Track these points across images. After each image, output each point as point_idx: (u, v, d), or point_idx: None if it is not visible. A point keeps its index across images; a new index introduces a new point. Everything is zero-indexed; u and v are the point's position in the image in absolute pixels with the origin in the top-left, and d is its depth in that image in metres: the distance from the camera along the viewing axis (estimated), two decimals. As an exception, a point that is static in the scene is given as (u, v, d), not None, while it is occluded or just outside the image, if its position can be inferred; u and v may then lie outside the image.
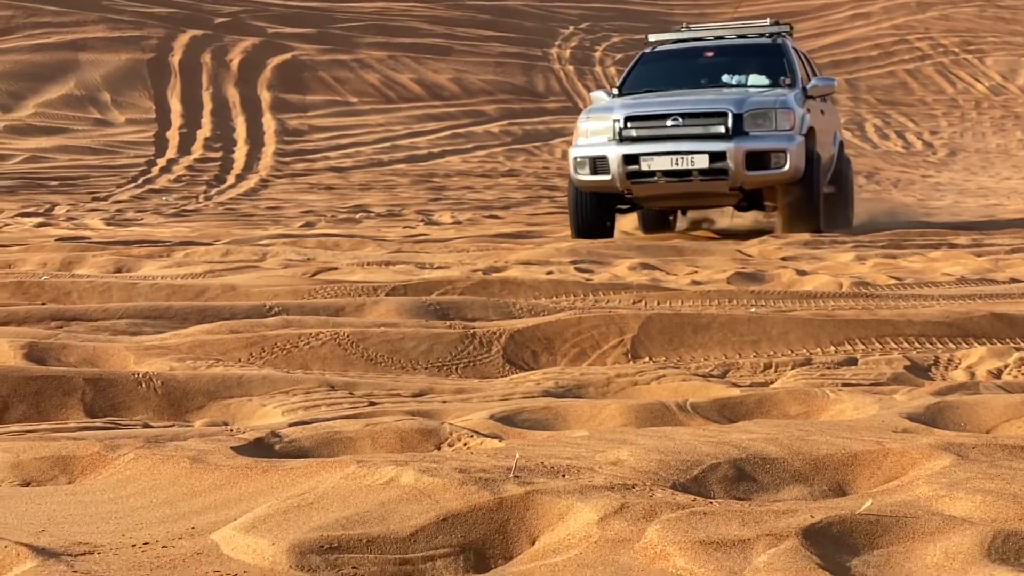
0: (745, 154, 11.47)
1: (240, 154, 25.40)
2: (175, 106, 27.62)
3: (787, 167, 11.53)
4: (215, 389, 3.66)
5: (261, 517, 2.21)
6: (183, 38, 30.82)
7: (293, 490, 2.42)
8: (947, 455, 2.60)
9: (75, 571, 1.97)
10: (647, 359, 4.44)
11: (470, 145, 28.61)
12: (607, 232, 12.43)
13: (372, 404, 3.58)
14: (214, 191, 21.10)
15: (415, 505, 2.23)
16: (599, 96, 12.94)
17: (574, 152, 12.10)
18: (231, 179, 23.01)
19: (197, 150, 25.31)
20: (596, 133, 11.92)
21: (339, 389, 3.74)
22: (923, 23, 45.44)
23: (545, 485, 2.31)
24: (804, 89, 12.61)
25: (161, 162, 24.15)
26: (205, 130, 26.66)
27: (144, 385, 3.62)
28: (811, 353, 4.56)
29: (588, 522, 2.15)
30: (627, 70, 13.60)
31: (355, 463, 2.47)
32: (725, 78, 13.11)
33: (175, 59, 29.67)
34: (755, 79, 12.98)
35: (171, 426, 3.36)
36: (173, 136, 26.10)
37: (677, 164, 11.49)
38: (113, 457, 2.75)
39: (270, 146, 26.28)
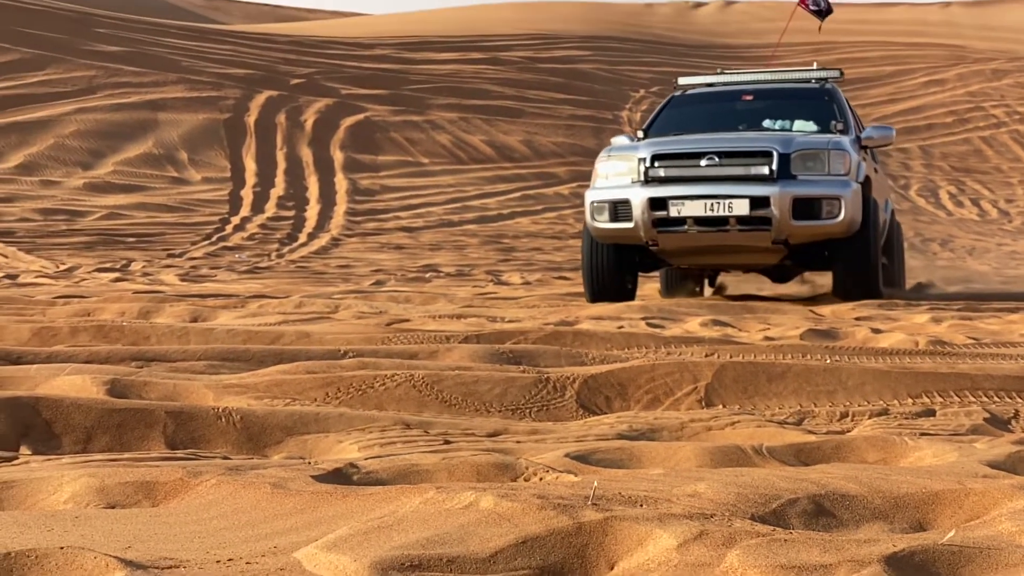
0: (792, 200, 9.80)
1: (312, 213, 25.69)
2: (250, 165, 28.03)
3: (841, 217, 9.85)
4: (292, 425, 3.70)
5: (343, 537, 2.23)
6: (259, 99, 31.32)
7: (373, 514, 2.44)
8: (1030, 495, 2.57)
9: (162, 581, 2.00)
10: (721, 406, 4.43)
11: (540, 207, 28.74)
12: (627, 294, 10.73)
13: (447, 442, 3.60)
14: (286, 249, 21.33)
15: (494, 528, 2.25)
16: (621, 141, 11.14)
17: (591, 195, 10.32)
18: (303, 237, 23.25)
19: (270, 208, 25.64)
20: (618, 175, 10.25)
21: (414, 428, 3.77)
22: (998, 90, 45.17)
23: (623, 512, 2.32)
24: (858, 138, 10.98)
25: (235, 220, 24.47)
26: (279, 189, 27.01)
27: (224, 419, 3.67)
28: (888, 404, 4.52)
29: (667, 547, 2.15)
30: (654, 114, 11.81)
31: (434, 489, 2.49)
32: (766, 123, 11.32)
33: (251, 119, 30.14)
34: (801, 125, 11.24)
35: (250, 459, 3.40)
36: (247, 194, 26.46)
37: (712, 210, 9.81)
38: (196, 483, 2.78)
39: (342, 205, 26.55)
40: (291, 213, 25.50)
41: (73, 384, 4.07)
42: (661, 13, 56.20)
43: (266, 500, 2.62)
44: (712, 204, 9.79)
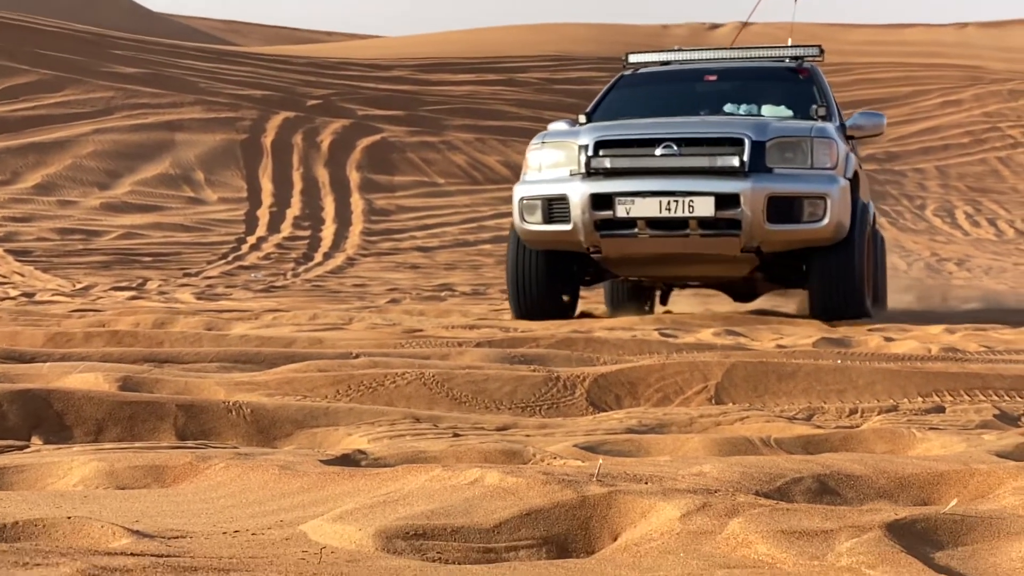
0: (767, 199, 8.01)
1: (328, 233, 25.75)
2: (266, 185, 28.13)
3: (826, 220, 8.11)
4: (302, 418, 3.72)
5: (349, 510, 2.25)
6: (276, 119, 31.45)
7: (379, 491, 2.46)
8: (1035, 474, 2.58)
9: (169, 547, 2.02)
10: (731, 404, 4.43)
11: (556, 227, 28.69)
12: (563, 310, 8.98)
13: (456, 435, 3.61)
14: (302, 268, 21.39)
15: (499, 501, 2.26)
16: (559, 126, 9.19)
17: (520, 191, 8.53)
18: (319, 257, 23.31)
19: (286, 228, 25.71)
20: (554, 165, 8.42)
21: (424, 422, 3.78)
22: (1015, 111, 45.10)
23: (628, 487, 2.33)
24: (843, 126, 9.15)
25: (251, 240, 24.54)
26: (295, 209, 27.09)
27: (234, 413, 3.69)
28: (898, 402, 4.52)
29: (670, 518, 2.16)
30: (599, 96, 9.85)
31: (440, 467, 2.51)
32: (728, 108, 9.40)
33: (267, 140, 30.27)
34: (771, 111, 9.31)
35: (259, 449, 3.41)
36: (263, 214, 26.55)
37: (668, 210, 7.99)
38: (205, 467, 2.80)
39: (358, 225, 26.62)
40: (307, 233, 25.56)
41: (85, 381, 4.10)
42: (677, 34, 56.29)
43: (274, 480, 2.64)
44: (669, 203, 8.02)
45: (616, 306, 10.70)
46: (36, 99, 29.60)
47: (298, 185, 28.50)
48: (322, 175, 29.27)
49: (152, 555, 1.88)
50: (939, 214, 35.93)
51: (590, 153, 8.24)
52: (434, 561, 2.01)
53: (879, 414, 4.26)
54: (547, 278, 8.71)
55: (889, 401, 4.54)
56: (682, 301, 11.61)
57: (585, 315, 9.60)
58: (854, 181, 8.66)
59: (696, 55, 10.30)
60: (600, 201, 8.14)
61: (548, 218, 8.32)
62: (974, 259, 29.32)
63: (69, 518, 2.12)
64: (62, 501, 2.49)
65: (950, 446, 3.46)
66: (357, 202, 28.26)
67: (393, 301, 14.68)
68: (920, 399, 4.59)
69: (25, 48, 31.61)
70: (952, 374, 4.80)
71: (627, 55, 10.41)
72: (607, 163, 8.21)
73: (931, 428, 3.96)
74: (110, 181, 26.71)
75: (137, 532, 2.10)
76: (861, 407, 4.35)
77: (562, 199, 8.26)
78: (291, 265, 21.87)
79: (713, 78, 9.84)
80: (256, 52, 41.33)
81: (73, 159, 27.13)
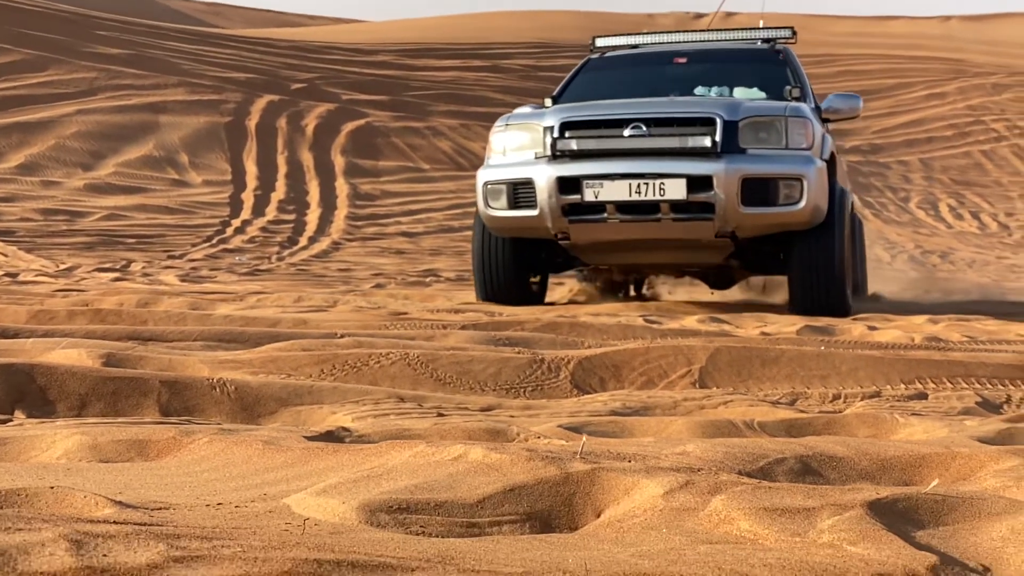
0: (741, 181, 7.71)
1: (313, 217, 25.71)
2: (251, 169, 28.06)
3: (803, 203, 7.77)
4: (286, 396, 3.72)
5: (332, 484, 2.25)
6: (260, 103, 31.36)
7: (363, 466, 2.46)
8: (1016, 457, 2.59)
9: (152, 517, 2.01)
10: (714, 388, 4.45)
11: (540, 214, 28.69)
12: (532, 295, 8.76)
13: (441, 415, 3.62)
14: (286, 252, 21.34)
15: (482, 477, 2.26)
16: (524, 109, 8.88)
17: (483, 175, 8.25)
18: (303, 241, 23.27)
19: (271, 212, 25.66)
20: (519, 148, 8.12)
21: (408, 401, 3.78)
22: (998, 104, 45.22)
23: (612, 465, 2.33)
24: (818, 108, 8.90)
25: (236, 223, 24.48)
26: (279, 193, 27.03)
27: (218, 389, 3.68)
28: (880, 388, 4.54)
29: (653, 495, 2.16)
30: (566, 79, 9.63)
31: (424, 443, 2.51)
32: (699, 90, 9.17)
33: (252, 123, 30.18)
34: (743, 93, 9.06)
35: (243, 425, 3.41)
36: (248, 198, 26.48)
37: (639, 193, 7.65)
38: (188, 441, 2.80)
39: (342, 210, 26.58)
40: (292, 217, 25.51)
41: (68, 356, 4.09)
42: (662, 24, 56.24)
43: (257, 455, 2.63)
44: (639, 186, 7.68)
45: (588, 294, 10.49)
46: (19, 79, 29.45)
47: (283, 169, 28.44)
48: (307, 159, 29.22)
49: (135, 523, 1.88)
50: (923, 207, 36.03)
51: (556, 135, 7.92)
52: (417, 534, 2.01)
53: (862, 400, 4.28)
54: (514, 264, 8.47)
55: (872, 387, 4.56)
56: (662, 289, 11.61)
57: (573, 303, 9.59)
58: (831, 164, 8.37)
59: (666, 38, 10.09)
60: (567, 185, 7.83)
61: (513, 203, 8.03)
62: (957, 252, 29.40)
63: (52, 488, 2.12)
64: (45, 473, 2.49)
65: (932, 431, 3.47)
66: (342, 186, 28.21)
67: (378, 286, 14.65)
68: (903, 386, 4.61)
69: (8, 27, 31.45)
70: (935, 362, 4.82)
71: (594, 39, 10.19)
72: (573, 145, 7.87)
73: (913, 414, 3.98)
74: (94, 162, 26.61)
75: (120, 503, 2.10)
76: (844, 393, 4.37)
77: (527, 183, 7.96)
78: (276, 249, 21.83)
79: (683, 60, 9.57)
80: (240, 35, 41.19)
81: (56, 139, 27.01)
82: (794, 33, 9.79)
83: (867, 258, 11.96)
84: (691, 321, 8.32)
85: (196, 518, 2.06)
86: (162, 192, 25.82)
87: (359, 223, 25.85)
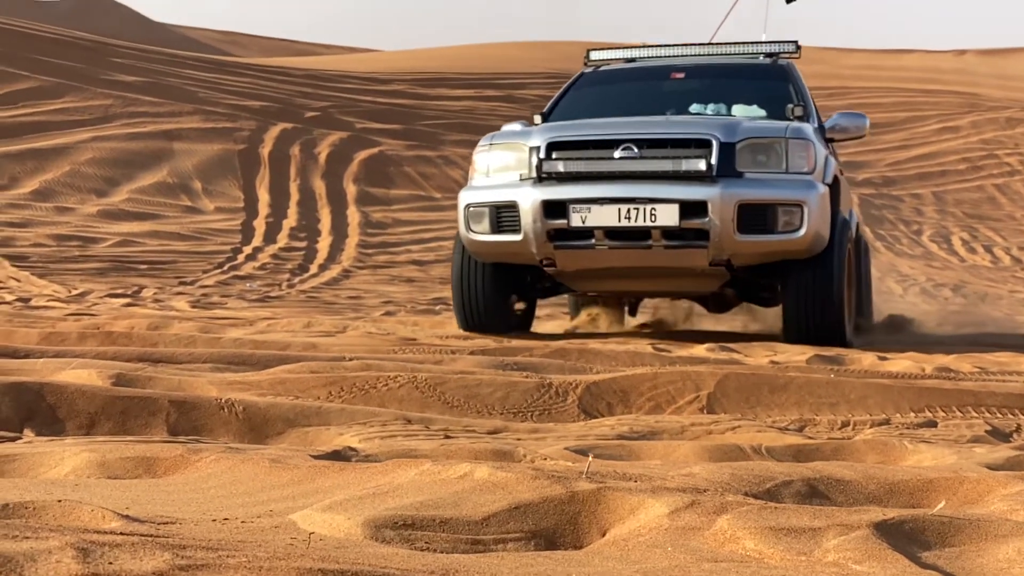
0: (738, 207, 7.30)
1: (324, 244, 25.76)
2: (263, 196, 28.15)
3: (803, 230, 7.35)
4: (294, 417, 3.73)
5: (338, 501, 2.26)
6: (274, 131, 31.49)
7: (369, 484, 2.46)
8: (1024, 482, 2.58)
9: (158, 531, 2.02)
10: (722, 414, 4.44)
11: (552, 243, 28.69)
12: (517, 321, 8.37)
13: (448, 437, 3.62)
14: (297, 279, 21.38)
15: (488, 495, 2.26)
16: (511, 127, 8.44)
17: (465, 196, 7.83)
18: (314, 268, 23.31)
19: (282, 239, 25.72)
20: (503, 169, 7.69)
21: (416, 423, 3.79)
22: (1012, 139, 45.22)
23: (617, 484, 2.33)
24: (821, 128, 8.45)
25: (247, 249, 24.54)
26: (291, 220, 27.10)
27: (226, 410, 3.69)
28: (890, 416, 4.53)
29: (659, 515, 2.16)
30: (557, 95, 9.20)
31: (430, 462, 2.51)
32: (695, 108, 8.72)
33: (265, 151, 30.30)
34: (742, 110, 8.66)
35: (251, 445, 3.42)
36: (260, 225, 26.55)
37: (629, 219, 7.24)
38: (196, 459, 2.81)
39: (354, 237, 26.63)
40: (303, 244, 25.57)
41: (78, 376, 4.11)
42: (676, 56, 56.36)
43: (264, 473, 2.64)
44: (629, 211, 7.27)
45: (577, 312, 10.14)
46: (35, 105, 29.62)
47: (295, 196, 28.52)
48: (319, 187, 29.30)
49: (141, 535, 1.89)
50: (935, 240, 35.98)
51: (542, 155, 7.49)
52: (422, 550, 2.01)
53: (871, 427, 4.27)
54: (495, 290, 8.03)
55: (881, 415, 4.55)
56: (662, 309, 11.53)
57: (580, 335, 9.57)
58: (834, 188, 7.96)
59: (662, 52, 9.58)
60: (553, 209, 7.40)
61: (496, 227, 7.59)
62: (970, 285, 29.35)
63: (60, 501, 2.13)
64: (53, 488, 2.49)
65: (941, 458, 3.46)
66: (353, 214, 28.28)
67: (388, 313, 14.67)
68: (912, 414, 4.60)
69: (25, 54, 31.66)
70: (945, 391, 4.81)
71: (588, 52, 9.73)
72: (560, 167, 7.44)
73: (923, 441, 3.97)
74: (108, 188, 26.72)
75: (127, 516, 2.10)
76: (853, 420, 4.36)
77: (511, 206, 7.51)
78: (286, 276, 21.87)
79: (680, 75, 9.07)
80: (255, 63, 41.39)
81: (71, 166, 27.14)
82: (798, 47, 9.29)
83: (874, 288, 11.60)
84: (700, 350, 8.32)
85: (202, 533, 2.06)
86: (175, 219, 25.90)
87: (370, 251, 25.89)
